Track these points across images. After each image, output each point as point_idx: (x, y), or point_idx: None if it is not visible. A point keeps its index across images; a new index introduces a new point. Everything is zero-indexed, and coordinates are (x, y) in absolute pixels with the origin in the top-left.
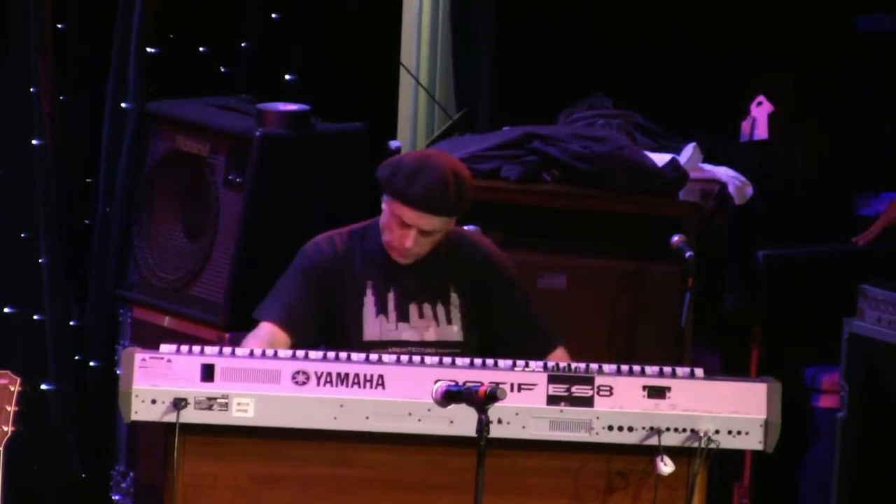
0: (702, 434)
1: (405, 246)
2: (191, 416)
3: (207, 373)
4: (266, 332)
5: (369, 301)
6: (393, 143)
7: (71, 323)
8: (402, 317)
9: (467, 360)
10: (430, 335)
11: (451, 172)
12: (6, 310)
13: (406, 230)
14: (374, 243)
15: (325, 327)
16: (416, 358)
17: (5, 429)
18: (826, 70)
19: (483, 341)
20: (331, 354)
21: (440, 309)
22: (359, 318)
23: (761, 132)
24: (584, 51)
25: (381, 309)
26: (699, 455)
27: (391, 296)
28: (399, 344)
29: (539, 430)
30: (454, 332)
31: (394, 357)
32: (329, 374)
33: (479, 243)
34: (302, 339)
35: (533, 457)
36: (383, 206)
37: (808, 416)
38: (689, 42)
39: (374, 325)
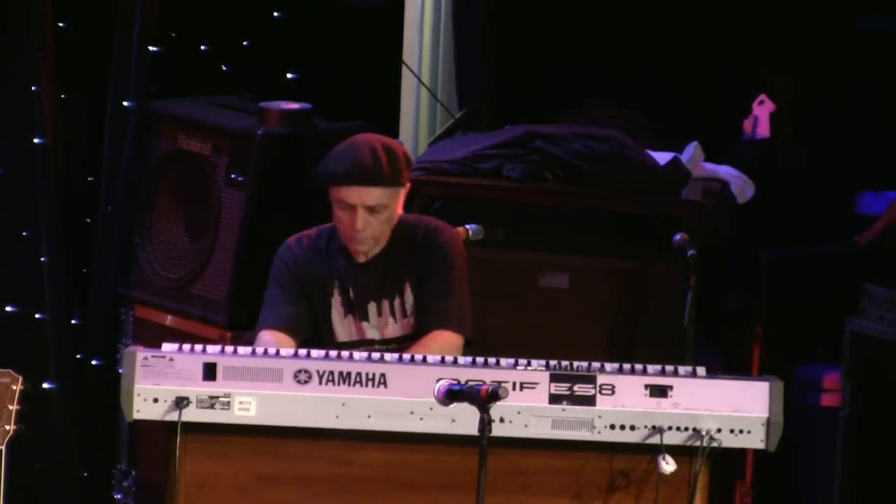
0: (704, 433)
1: (357, 229)
2: (193, 414)
3: (209, 371)
4: (268, 338)
5: (336, 301)
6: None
7: (72, 322)
8: (363, 316)
9: (469, 359)
10: (390, 332)
11: (379, 144)
12: (8, 308)
13: (352, 213)
14: (340, 242)
15: (312, 324)
16: (419, 357)
17: (7, 427)
18: (826, 69)
19: None
20: (333, 353)
21: (396, 304)
22: (329, 320)
23: (763, 131)
24: (585, 49)
25: (348, 309)
26: (701, 454)
27: (352, 295)
28: (366, 343)
29: (541, 429)
30: (411, 325)
31: (396, 356)
32: (331, 372)
33: (436, 229)
34: (302, 335)
35: (535, 456)
36: (332, 202)
37: (810, 415)
38: (690, 41)
39: (343, 326)
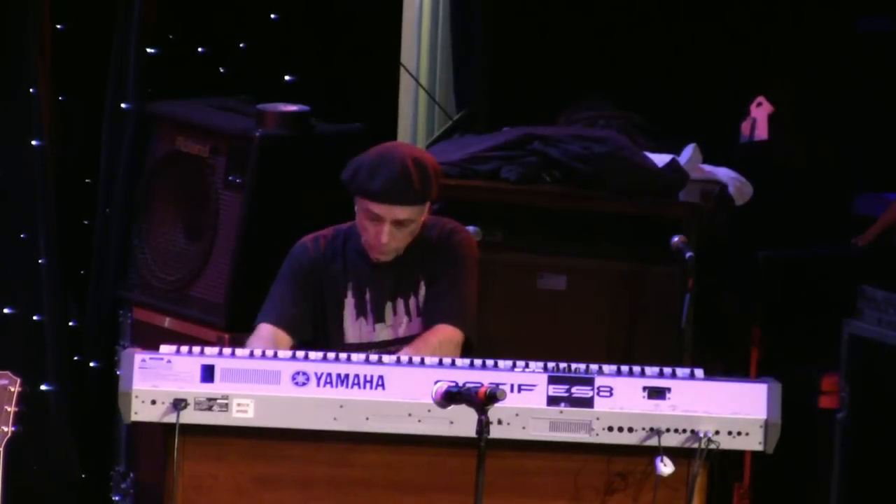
0: (702, 435)
1: (381, 241)
2: (191, 416)
3: (207, 373)
4: (267, 333)
5: (349, 303)
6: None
7: (70, 324)
8: (379, 318)
9: (467, 361)
10: (404, 331)
11: (411, 160)
12: (6, 310)
13: (379, 225)
14: (356, 243)
15: (318, 325)
16: (417, 358)
17: (5, 429)
18: (825, 71)
19: None
20: (331, 355)
21: (412, 302)
22: (340, 321)
23: (761, 133)
24: (583, 51)
25: (361, 311)
26: (699, 456)
27: (368, 297)
28: (377, 345)
29: (539, 431)
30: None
31: (394, 358)
32: (329, 374)
33: (452, 229)
34: (300, 337)
35: (533, 458)
36: (355, 207)
37: (808, 417)
38: (688, 43)
39: (354, 328)
